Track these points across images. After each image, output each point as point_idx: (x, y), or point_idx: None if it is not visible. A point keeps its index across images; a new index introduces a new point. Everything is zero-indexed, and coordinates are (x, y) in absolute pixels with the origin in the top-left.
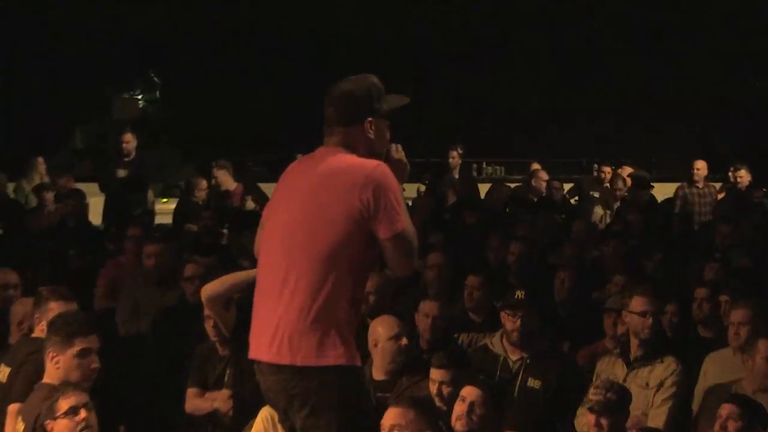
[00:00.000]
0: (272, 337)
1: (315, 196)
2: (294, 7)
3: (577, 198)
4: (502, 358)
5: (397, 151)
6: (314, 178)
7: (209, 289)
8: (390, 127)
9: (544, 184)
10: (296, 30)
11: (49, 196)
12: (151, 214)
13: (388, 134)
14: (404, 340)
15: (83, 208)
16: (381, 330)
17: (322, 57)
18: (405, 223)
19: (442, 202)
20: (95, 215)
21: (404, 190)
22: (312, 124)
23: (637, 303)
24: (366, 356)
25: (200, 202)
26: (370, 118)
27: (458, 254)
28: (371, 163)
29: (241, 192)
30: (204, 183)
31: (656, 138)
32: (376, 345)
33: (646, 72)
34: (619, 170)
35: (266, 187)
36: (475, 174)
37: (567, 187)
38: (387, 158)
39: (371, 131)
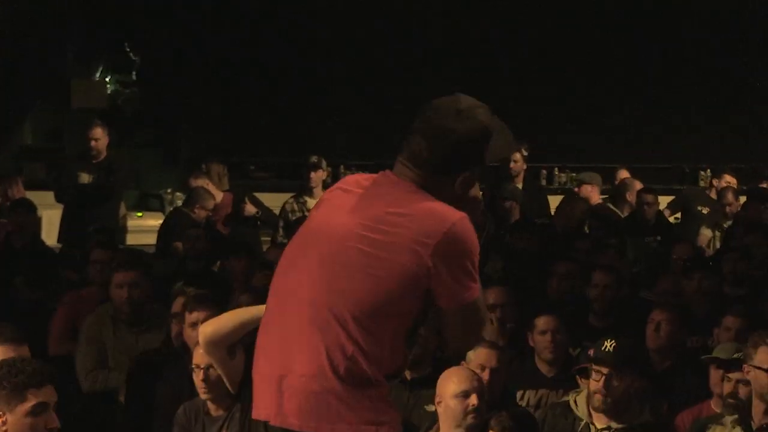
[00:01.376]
0: (290, 394)
1: (367, 236)
2: None
3: (678, 215)
4: (583, 423)
5: (475, 188)
6: (373, 211)
7: (210, 330)
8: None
9: (634, 197)
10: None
11: None
12: (122, 231)
13: (477, 186)
14: (474, 400)
15: (34, 224)
16: (447, 385)
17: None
18: (477, 291)
19: (504, 220)
20: (49, 233)
21: None
22: (334, 119)
23: (765, 355)
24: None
25: (199, 221)
26: (466, 173)
27: (522, 288)
28: (453, 215)
29: (230, 202)
30: (212, 201)
31: None
32: (440, 402)
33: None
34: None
35: (271, 198)
36: (544, 183)
37: (664, 201)
38: (471, 208)
39: (461, 186)
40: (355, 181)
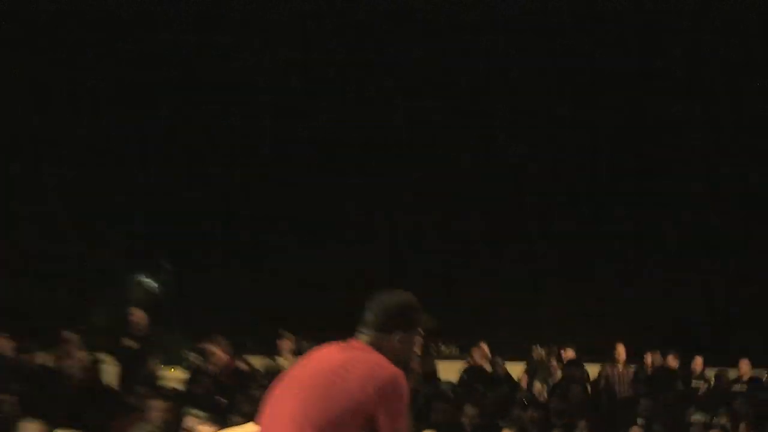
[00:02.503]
0: None
1: (337, 371)
2: None
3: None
4: None
5: (418, 366)
6: (343, 358)
7: None
8: (418, 341)
9: (483, 360)
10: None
11: None
12: None
13: (415, 347)
14: None
15: None
16: None
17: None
18: (407, 430)
19: None
20: None
21: None
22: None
23: None
24: None
25: None
26: (401, 333)
27: None
28: (395, 370)
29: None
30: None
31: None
32: None
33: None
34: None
35: None
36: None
37: (514, 366)
38: (407, 368)
39: (400, 342)
40: (334, 344)
